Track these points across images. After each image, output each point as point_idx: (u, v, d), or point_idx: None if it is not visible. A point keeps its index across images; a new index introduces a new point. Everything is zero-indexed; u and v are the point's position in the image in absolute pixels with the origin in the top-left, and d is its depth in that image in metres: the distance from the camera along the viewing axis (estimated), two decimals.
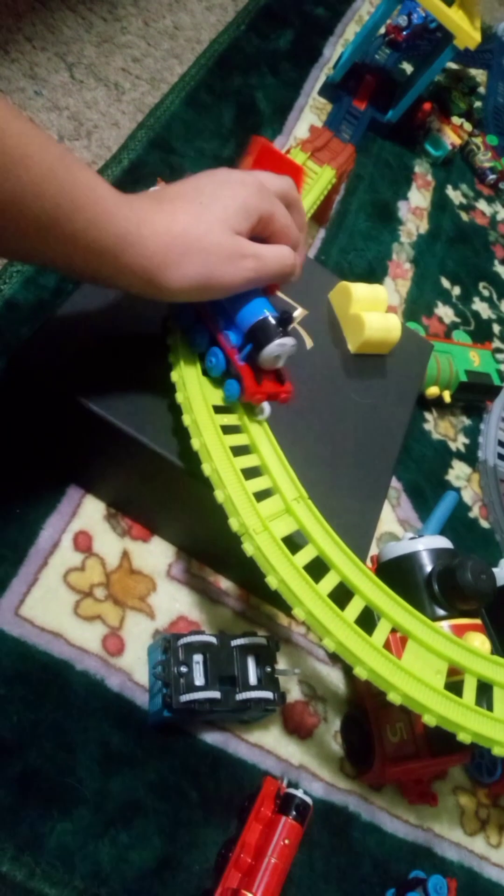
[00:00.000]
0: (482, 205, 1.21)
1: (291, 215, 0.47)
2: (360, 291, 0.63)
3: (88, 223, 0.37)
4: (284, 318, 0.46)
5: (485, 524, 0.81)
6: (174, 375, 0.50)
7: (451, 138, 1.20)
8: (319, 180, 0.81)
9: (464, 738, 0.43)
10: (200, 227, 0.41)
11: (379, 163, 1.08)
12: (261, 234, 0.45)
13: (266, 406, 0.49)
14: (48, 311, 0.61)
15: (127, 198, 0.40)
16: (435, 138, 1.19)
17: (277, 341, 0.45)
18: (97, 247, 0.38)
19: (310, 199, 0.77)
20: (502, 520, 0.82)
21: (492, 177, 1.25)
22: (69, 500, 0.55)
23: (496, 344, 0.99)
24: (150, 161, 0.80)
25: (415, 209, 1.07)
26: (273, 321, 0.46)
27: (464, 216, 1.15)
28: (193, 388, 0.48)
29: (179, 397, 0.49)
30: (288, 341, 0.46)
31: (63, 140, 0.75)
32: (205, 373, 0.50)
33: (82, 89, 0.81)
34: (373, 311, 0.63)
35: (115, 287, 0.42)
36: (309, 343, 0.62)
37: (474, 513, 0.81)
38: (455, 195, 1.17)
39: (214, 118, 0.90)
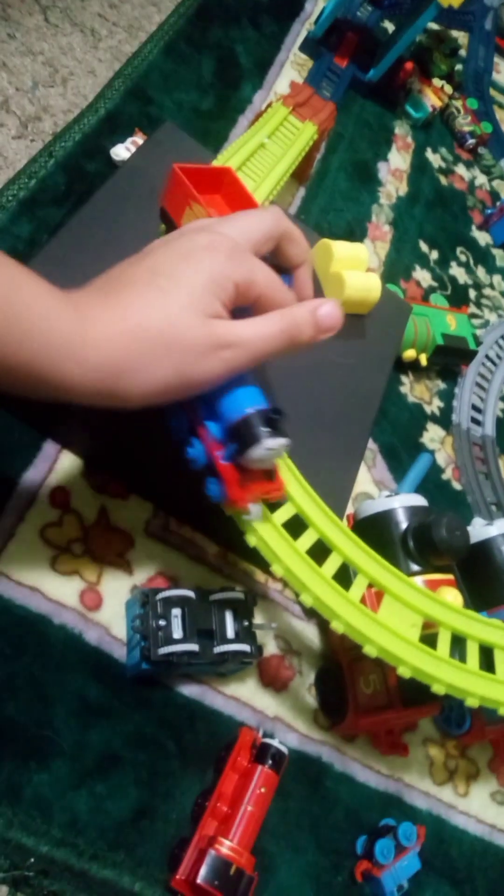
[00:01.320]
0: (461, 169, 1.20)
1: (289, 249, 0.40)
2: (341, 250, 0.63)
3: (19, 336, 0.30)
4: (274, 415, 0.39)
5: (457, 486, 0.82)
6: None
7: (431, 100, 1.18)
8: (301, 136, 0.80)
9: (437, 689, 0.44)
10: (161, 318, 0.33)
11: (359, 122, 1.07)
12: (243, 304, 0.37)
13: (254, 508, 0.42)
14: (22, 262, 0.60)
15: (66, 296, 0.33)
16: (416, 99, 1.17)
17: (266, 444, 0.38)
18: (35, 363, 0.31)
19: (291, 156, 0.75)
20: (474, 482, 0.83)
21: (471, 141, 1.25)
22: (45, 455, 0.54)
23: (472, 309, 0.99)
24: (127, 111, 0.78)
25: (394, 171, 1.06)
26: (259, 420, 0.38)
27: (443, 180, 1.14)
28: None
29: None
30: (278, 442, 0.38)
31: (38, 86, 0.73)
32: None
33: (57, 34, 0.78)
34: (353, 269, 0.63)
35: (68, 401, 0.34)
36: None
37: (447, 475, 0.82)
38: (434, 158, 1.16)
39: (193, 70, 0.88)
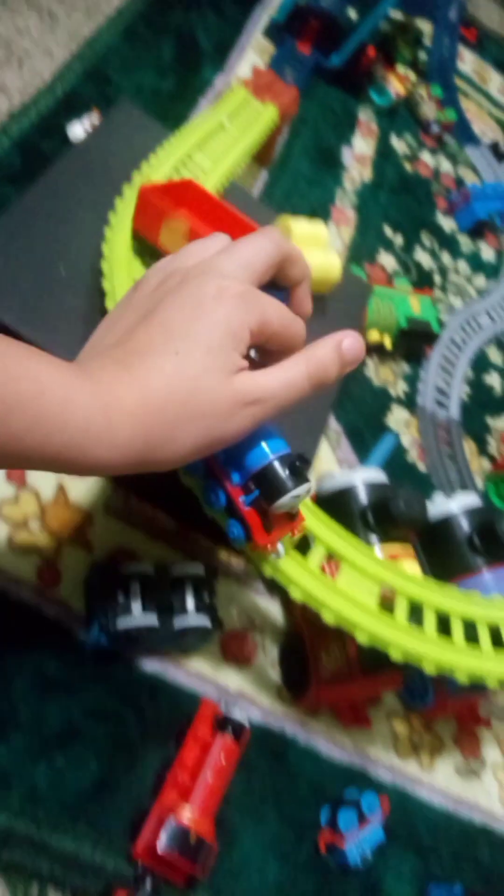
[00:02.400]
0: (426, 156, 1.21)
1: (290, 271, 0.39)
2: (300, 227, 0.63)
3: (46, 431, 0.29)
4: (298, 464, 0.38)
5: (422, 468, 0.82)
6: (108, 302, 0.50)
7: (395, 87, 1.19)
8: (261, 118, 0.80)
9: (394, 654, 0.45)
10: (184, 386, 0.32)
11: (323, 108, 1.07)
12: (257, 345, 0.36)
13: (280, 548, 0.42)
14: None
15: (81, 374, 0.31)
16: (380, 86, 1.18)
17: (292, 494, 0.37)
18: (63, 454, 0.30)
19: (251, 137, 0.75)
20: (439, 464, 0.83)
21: (436, 128, 1.25)
22: None
23: (437, 294, 1.00)
24: (85, 92, 0.77)
25: (359, 156, 1.06)
26: (284, 468, 0.37)
27: (408, 167, 1.15)
28: None
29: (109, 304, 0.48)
30: (303, 490, 0.38)
31: None
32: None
33: (14, 16, 0.77)
34: (313, 248, 0.63)
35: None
36: None
37: (412, 457, 0.82)
38: (399, 145, 1.17)
39: (153, 52, 0.88)
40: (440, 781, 0.62)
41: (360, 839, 0.52)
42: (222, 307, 0.34)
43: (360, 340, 0.37)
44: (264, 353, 0.37)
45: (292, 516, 0.41)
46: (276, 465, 0.38)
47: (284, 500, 0.37)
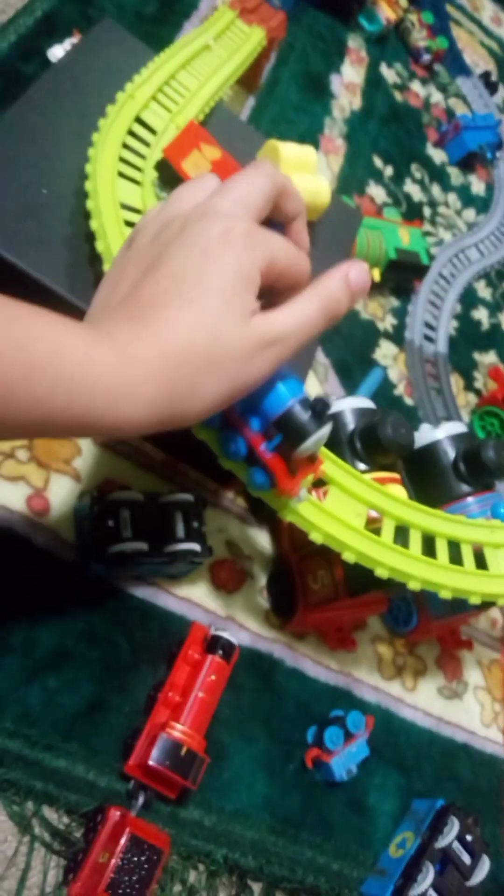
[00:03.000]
0: (416, 86, 1.18)
1: (285, 205, 0.38)
2: (288, 151, 0.61)
3: (68, 392, 0.28)
4: (319, 407, 0.37)
5: (409, 401, 0.82)
6: (93, 223, 0.48)
7: (386, 13, 1.15)
8: (248, 40, 0.77)
9: (381, 573, 0.46)
10: (202, 335, 0.31)
11: (311, 34, 1.04)
12: (267, 286, 0.35)
13: (303, 492, 0.42)
14: None
15: (98, 334, 0.30)
16: (369, 12, 1.14)
17: (315, 437, 0.37)
18: (87, 415, 0.29)
19: (237, 59, 0.73)
20: (426, 397, 0.84)
21: (426, 57, 1.22)
22: None
23: (426, 227, 0.99)
24: (65, 12, 0.74)
25: (348, 84, 1.03)
26: (305, 411, 0.37)
27: (398, 96, 1.12)
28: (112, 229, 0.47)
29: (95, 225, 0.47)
30: (325, 431, 0.38)
31: None
32: None
33: None
34: (302, 172, 0.61)
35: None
36: None
37: (399, 390, 0.82)
38: (389, 73, 1.14)
39: None
40: (423, 702, 0.64)
41: (345, 754, 0.54)
42: (230, 249, 0.33)
43: (366, 270, 0.37)
44: (270, 292, 0.36)
45: (313, 458, 0.41)
46: (298, 408, 0.37)
47: (308, 444, 0.37)
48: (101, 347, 0.30)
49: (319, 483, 0.48)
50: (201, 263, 0.32)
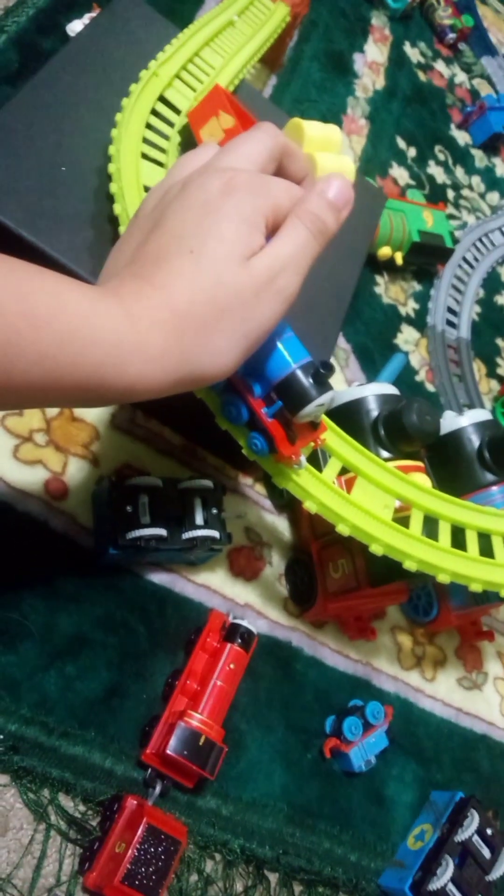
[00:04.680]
0: (440, 65, 1.15)
1: (290, 166, 0.37)
2: (312, 130, 0.59)
3: (77, 349, 0.28)
4: (321, 372, 0.37)
5: (430, 387, 0.81)
6: (117, 207, 0.47)
7: None
8: (272, 17, 0.75)
9: (409, 565, 0.44)
10: (206, 284, 0.31)
11: (334, 11, 1.01)
12: (273, 229, 0.34)
13: (303, 458, 0.41)
14: None
15: (105, 291, 0.30)
16: None
17: (316, 402, 0.36)
18: (98, 374, 0.29)
19: (261, 36, 0.71)
20: (448, 384, 0.82)
21: (451, 35, 1.19)
22: None
23: (450, 210, 0.97)
24: None
25: (371, 63, 1.01)
26: (307, 376, 0.36)
27: (421, 76, 1.09)
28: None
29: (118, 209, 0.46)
30: (327, 398, 0.37)
31: None
32: None
33: None
34: (325, 151, 0.60)
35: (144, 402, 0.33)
36: None
37: (421, 376, 0.81)
38: (413, 53, 1.11)
39: None
40: (442, 692, 0.63)
41: (364, 744, 0.54)
42: (231, 198, 0.32)
43: (343, 181, 0.36)
44: None
45: (315, 425, 0.40)
46: (299, 373, 0.36)
47: (309, 410, 0.37)
48: (106, 303, 0.29)
49: (343, 471, 0.47)
50: (201, 216, 0.32)
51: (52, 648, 0.46)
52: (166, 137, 0.53)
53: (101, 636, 0.48)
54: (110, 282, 0.32)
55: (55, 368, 0.28)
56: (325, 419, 0.47)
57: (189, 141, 0.53)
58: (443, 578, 0.45)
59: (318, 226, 0.34)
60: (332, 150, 0.61)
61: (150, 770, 0.45)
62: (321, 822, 0.52)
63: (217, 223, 0.32)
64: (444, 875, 0.49)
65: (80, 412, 0.54)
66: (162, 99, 0.55)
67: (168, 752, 0.43)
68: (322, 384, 0.37)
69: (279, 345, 0.37)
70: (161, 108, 0.54)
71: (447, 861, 0.50)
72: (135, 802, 0.42)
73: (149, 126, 0.52)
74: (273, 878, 0.49)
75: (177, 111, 0.55)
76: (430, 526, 0.48)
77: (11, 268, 0.28)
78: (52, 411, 0.52)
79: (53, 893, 0.42)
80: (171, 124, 0.54)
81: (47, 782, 0.44)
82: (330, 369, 0.37)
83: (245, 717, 0.51)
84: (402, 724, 0.59)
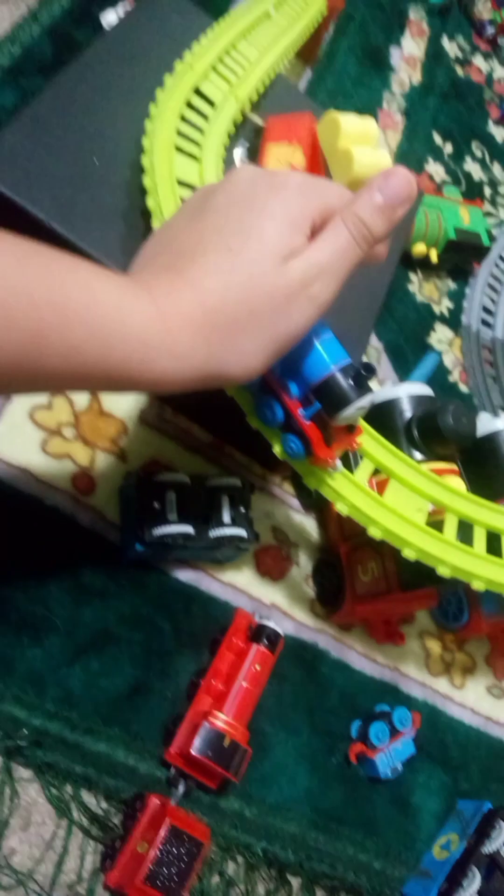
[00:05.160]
0: (479, 60, 1.13)
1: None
2: (349, 123, 0.59)
3: (104, 342, 0.27)
4: (361, 374, 0.36)
5: (464, 388, 0.80)
6: (150, 201, 0.47)
7: None
8: (309, 9, 0.74)
9: (443, 571, 0.43)
10: (240, 281, 0.30)
11: (371, 4, 1.00)
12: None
13: (339, 462, 0.41)
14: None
15: (135, 283, 0.29)
16: None
17: (356, 405, 0.35)
18: (125, 367, 0.28)
19: (297, 29, 0.70)
20: (482, 385, 0.81)
21: (490, 30, 1.17)
22: None
23: (487, 207, 0.95)
24: None
25: (408, 58, 0.99)
26: (347, 378, 0.35)
27: (459, 71, 1.08)
28: (169, 207, 0.45)
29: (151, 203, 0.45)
30: (366, 401, 0.36)
31: None
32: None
33: None
34: (362, 145, 0.59)
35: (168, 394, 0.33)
36: None
37: (454, 377, 0.79)
38: (451, 47, 1.09)
39: None
40: (471, 700, 0.62)
41: (390, 751, 0.53)
42: (278, 198, 0.31)
43: (404, 177, 0.33)
44: None
45: (352, 428, 0.39)
46: (339, 375, 0.35)
47: (348, 413, 0.36)
48: (137, 297, 0.29)
49: (376, 473, 0.46)
50: (245, 212, 0.31)
51: (77, 644, 0.46)
52: (201, 130, 0.52)
53: (126, 632, 0.48)
54: (143, 271, 0.32)
55: (83, 361, 0.27)
56: (360, 421, 0.46)
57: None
58: (477, 585, 0.44)
59: (362, 231, 0.32)
60: (368, 143, 0.60)
61: (173, 769, 0.45)
62: (345, 827, 0.51)
63: (260, 221, 0.31)
64: (471, 887, 0.48)
65: (108, 406, 0.53)
66: (197, 92, 0.54)
67: (192, 752, 0.43)
68: (361, 387, 0.36)
69: (318, 345, 0.36)
70: (196, 100, 0.54)
71: (474, 873, 0.49)
72: (158, 802, 0.42)
73: (183, 119, 0.52)
74: (296, 882, 0.48)
75: (211, 104, 0.54)
76: (465, 531, 0.46)
77: (50, 260, 0.27)
78: (81, 405, 0.52)
79: (74, 890, 0.41)
80: (205, 117, 0.53)
81: (70, 778, 0.43)
82: (371, 371, 0.36)
83: (269, 718, 0.51)
84: (429, 731, 0.58)
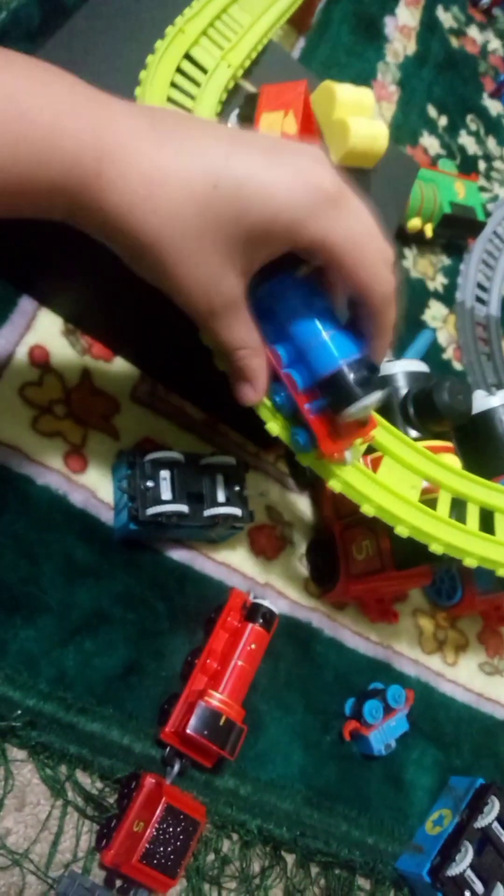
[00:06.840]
0: (473, 31, 1.11)
1: (378, 318, 0.35)
2: (345, 93, 0.57)
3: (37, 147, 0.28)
4: (369, 370, 0.35)
5: (458, 366, 0.79)
6: None
7: None
8: None
9: (436, 548, 0.43)
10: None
11: None
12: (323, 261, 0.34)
13: (349, 455, 0.40)
14: None
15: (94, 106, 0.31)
16: None
17: (362, 403, 0.35)
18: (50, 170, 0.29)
19: None
20: (476, 362, 0.80)
21: (485, 0, 1.15)
22: (22, 312, 0.51)
23: (481, 182, 0.94)
24: None
25: (402, 27, 0.97)
26: (354, 374, 0.34)
27: (454, 41, 1.06)
28: None
29: None
30: (374, 398, 0.35)
31: None
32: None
33: None
34: (358, 115, 0.57)
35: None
36: None
37: (448, 354, 0.79)
38: (446, 17, 1.07)
39: None
40: (463, 677, 0.62)
41: (384, 728, 0.53)
42: (304, 159, 0.32)
43: None
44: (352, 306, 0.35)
45: (363, 423, 0.38)
46: (346, 370, 0.34)
47: (353, 410, 0.35)
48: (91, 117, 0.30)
49: (370, 450, 0.46)
50: (271, 150, 0.32)
51: (71, 624, 0.45)
52: (192, 97, 0.51)
53: (119, 612, 0.47)
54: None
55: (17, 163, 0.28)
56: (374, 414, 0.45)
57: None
58: (470, 562, 0.44)
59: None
60: (364, 114, 0.59)
61: (168, 748, 0.45)
62: (339, 804, 0.51)
63: (282, 164, 0.31)
64: (464, 861, 0.49)
65: (100, 383, 0.52)
66: (188, 57, 0.52)
67: (188, 731, 0.42)
68: (369, 384, 0.35)
69: (326, 338, 0.35)
70: (187, 66, 0.52)
71: (466, 847, 0.49)
72: (153, 781, 0.42)
73: (174, 85, 0.50)
74: (290, 859, 0.48)
75: (203, 70, 0.53)
76: (459, 508, 0.46)
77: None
78: (72, 381, 0.51)
79: (70, 869, 0.41)
80: (196, 84, 0.52)
81: (65, 758, 0.43)
82: (374, 371, 0.35)
83: (264, 697, 0.51)
84: (422, 708, 0.58)
